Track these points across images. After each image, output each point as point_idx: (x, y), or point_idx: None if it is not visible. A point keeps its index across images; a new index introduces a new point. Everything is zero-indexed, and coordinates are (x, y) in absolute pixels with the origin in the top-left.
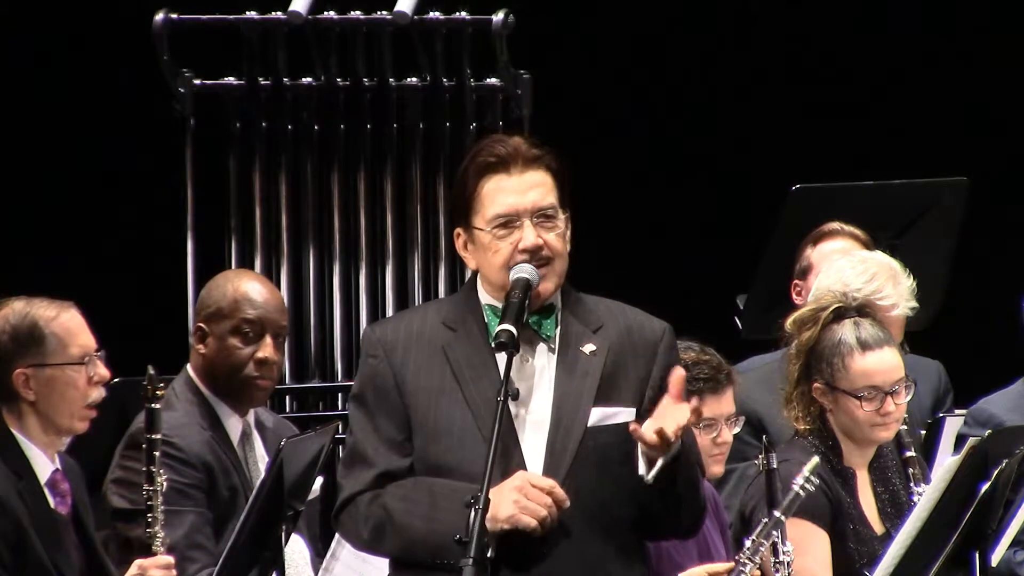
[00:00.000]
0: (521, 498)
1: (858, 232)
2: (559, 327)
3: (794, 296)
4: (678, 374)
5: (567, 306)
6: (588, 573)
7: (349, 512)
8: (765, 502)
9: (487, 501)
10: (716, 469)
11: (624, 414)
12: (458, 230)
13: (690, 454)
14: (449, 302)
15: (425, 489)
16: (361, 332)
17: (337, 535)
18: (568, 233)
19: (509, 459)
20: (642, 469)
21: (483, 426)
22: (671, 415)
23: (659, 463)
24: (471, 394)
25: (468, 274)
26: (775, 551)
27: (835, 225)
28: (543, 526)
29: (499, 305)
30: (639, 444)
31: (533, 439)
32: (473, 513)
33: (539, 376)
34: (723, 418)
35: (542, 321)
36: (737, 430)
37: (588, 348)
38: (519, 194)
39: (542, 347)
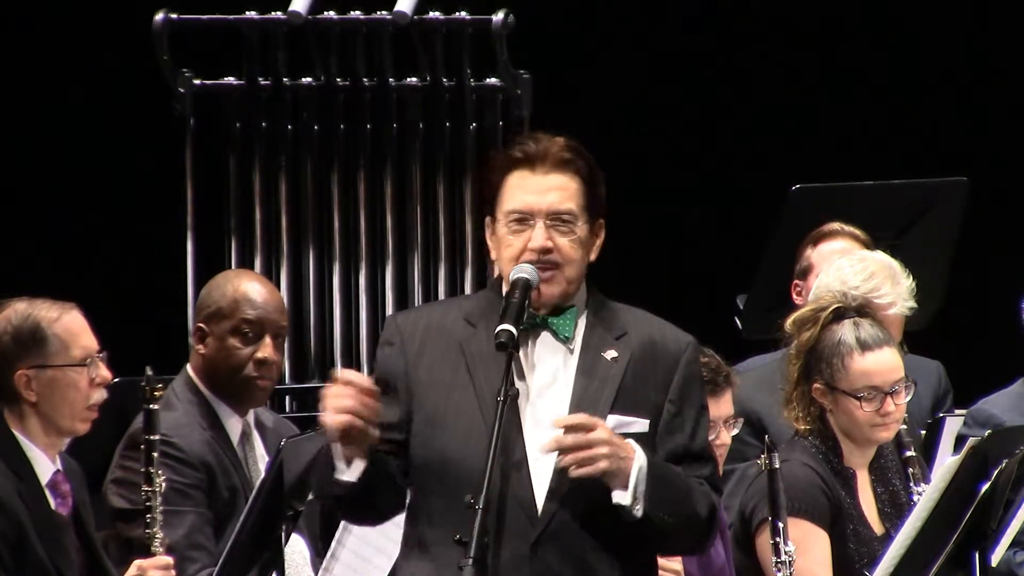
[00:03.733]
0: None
1: (858, 232)
2: (582, 329)
3: (794, 296)
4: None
5: (591, 310)
6: None
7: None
8: (766, 502)
9: (487, 501)
10: None
11: (639, 424)
12: (488, 218)
13: (661, 480)
14: (474, 299)
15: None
16: (361, 332)
17: (337, 535)
18: (594, 242)
19: (510, 455)
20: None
21: (489, 422)
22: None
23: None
24: (482, 390)
25: (468, 274)
26: (776, 551)
27: (835, 225)
28: (356, 421)
29: None
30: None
31: (541, 437)
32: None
33: (553, 376)
34: (721, 420)
35: (558, 321)
36: (736, 432)
37: (610, 354)
38: (538, 194)
39: (559, 347)
